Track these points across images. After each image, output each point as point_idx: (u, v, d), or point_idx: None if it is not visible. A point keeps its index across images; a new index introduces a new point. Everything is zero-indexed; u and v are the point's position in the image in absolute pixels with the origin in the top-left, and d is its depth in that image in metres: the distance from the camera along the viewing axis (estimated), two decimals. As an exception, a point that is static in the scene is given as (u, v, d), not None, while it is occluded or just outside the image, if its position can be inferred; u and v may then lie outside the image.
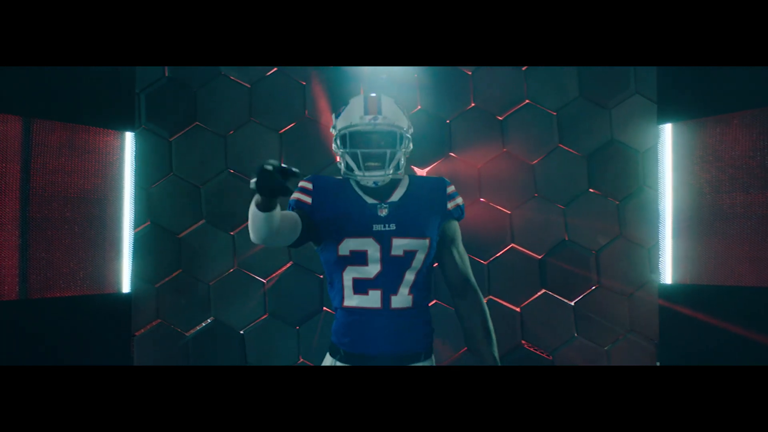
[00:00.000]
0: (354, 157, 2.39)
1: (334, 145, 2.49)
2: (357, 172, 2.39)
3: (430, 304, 2.46)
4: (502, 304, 3.84)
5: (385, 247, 2.36)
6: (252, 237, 2.17)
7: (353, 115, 2.41)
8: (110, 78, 3.67)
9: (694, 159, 3.67)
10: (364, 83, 3.87)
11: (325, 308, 3.82)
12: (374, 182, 2.38)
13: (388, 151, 2.38)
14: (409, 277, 2.37)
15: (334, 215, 2.38)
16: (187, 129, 3.84)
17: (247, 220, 3.73)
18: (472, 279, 2.46)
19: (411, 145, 2.48)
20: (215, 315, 3.82)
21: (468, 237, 3.88)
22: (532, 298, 3.86)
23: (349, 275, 2.37)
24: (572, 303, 3.85)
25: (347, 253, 2.36)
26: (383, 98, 2.46)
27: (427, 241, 2.39)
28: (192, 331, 3.82)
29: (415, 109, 3.89)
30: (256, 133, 3.87)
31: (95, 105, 3.60)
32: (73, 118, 3.51)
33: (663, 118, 3.82)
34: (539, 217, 3.87)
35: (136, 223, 3.78)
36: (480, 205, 3.87)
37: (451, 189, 2.52)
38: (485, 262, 3.85)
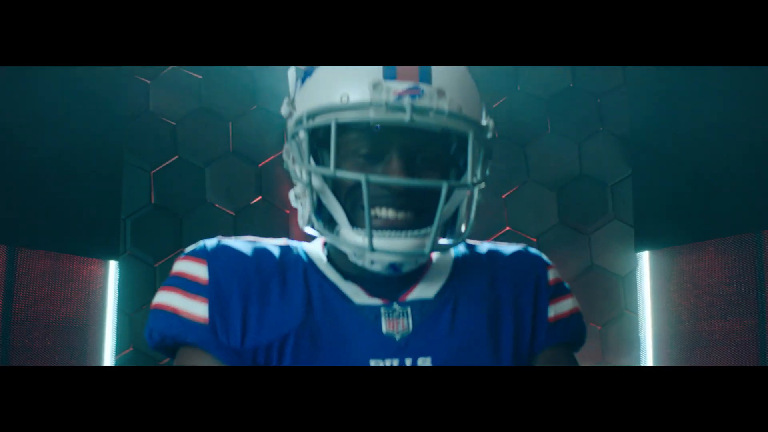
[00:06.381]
0: (350, 195, 1.06)
1: (289, 154, 1.16)
2: (349, 234, 1.05)
3: None
4: None
5: None
6: None
7: (357, 80, 1.02)
8: (96, 205, 3.72)
9: (671, 286, 3.72)
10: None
11: None
12: (391, 265, 1.05)
13: (444, 185, 1.01)
14: None
15: (272, 338, 1.08)
16: (171, 255, 3.87)
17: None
18: None
19: (488, 172, 1.13)
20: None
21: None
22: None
23: None
24: None
25: None
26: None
27: None
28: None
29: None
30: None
31: (80, 233, 3.63)
32: (58, 247, 3.54)
33: (640, 245, 3.89)
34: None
35: (118, 349, 3.76)
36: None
37: (554, 275, 1.24)
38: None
